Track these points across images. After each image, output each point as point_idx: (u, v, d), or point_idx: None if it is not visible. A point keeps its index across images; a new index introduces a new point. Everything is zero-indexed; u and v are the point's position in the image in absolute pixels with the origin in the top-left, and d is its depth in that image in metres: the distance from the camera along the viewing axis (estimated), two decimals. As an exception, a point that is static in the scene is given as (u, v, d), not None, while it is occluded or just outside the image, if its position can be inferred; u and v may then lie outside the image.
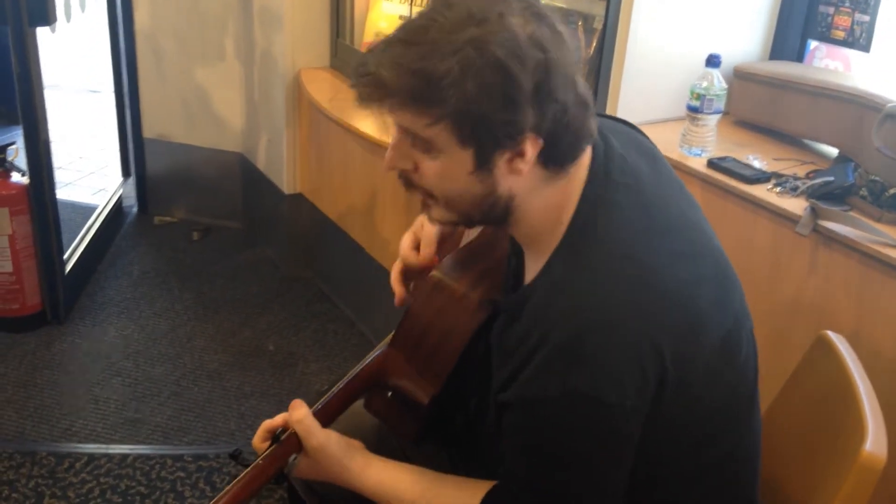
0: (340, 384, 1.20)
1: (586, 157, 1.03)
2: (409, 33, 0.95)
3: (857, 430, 1.07)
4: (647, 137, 1.21)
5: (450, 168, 0.98)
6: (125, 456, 2.21)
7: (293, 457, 1.14)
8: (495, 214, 1.04)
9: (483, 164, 0.97)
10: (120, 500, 2.07)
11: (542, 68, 0.93)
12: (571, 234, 1.02)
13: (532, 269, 1.07)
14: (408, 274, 1.31)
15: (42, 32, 2.55)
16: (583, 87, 0.99)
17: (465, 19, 0.93)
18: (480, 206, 1.03)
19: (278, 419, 1.17)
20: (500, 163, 0.98)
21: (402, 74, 0.93)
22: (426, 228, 1.31)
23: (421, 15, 0.97)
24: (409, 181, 1.04)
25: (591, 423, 0.98)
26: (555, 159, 1.00)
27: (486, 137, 0.95)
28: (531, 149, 0.97)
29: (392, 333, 1.22)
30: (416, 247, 1.32)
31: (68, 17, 6.44)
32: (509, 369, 1.01)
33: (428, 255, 1.29)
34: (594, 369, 0.95)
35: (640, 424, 0.99)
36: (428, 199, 1.04)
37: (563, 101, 0.96)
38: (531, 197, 1.02)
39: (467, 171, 0.98)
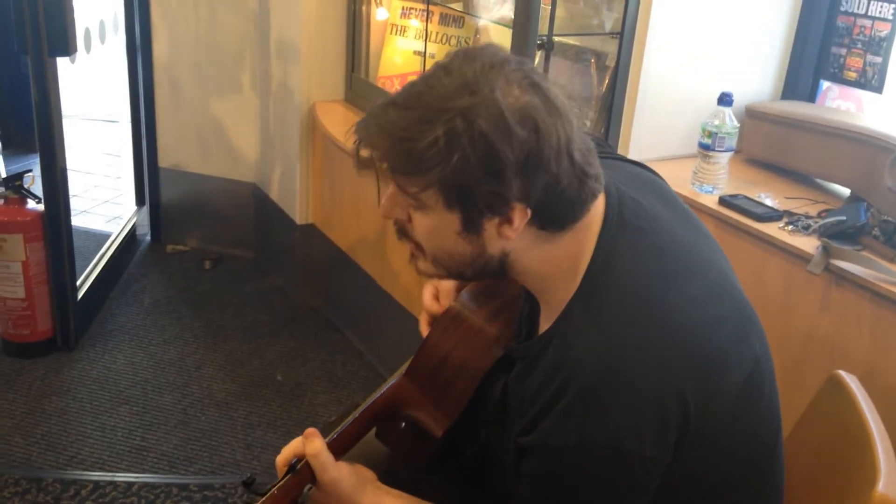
0: (355, 414, 1.20)
1: (599, 205, 1.03)
2: (405, 97, 0.96)
3: (869, 471, 1.05)
4: (662, 178, 1.22)
5: (439, 226, 1.00)
6: (130, 484, 2.20)
7: (308, 487, 1.13)
8: (490, 271, 1.05)
9: (470, 227, 0.98)
10: (124, 528, 2.07)
11: (531, 143, 0.93)
12: (588, 283, 1.01)
13: (547, 319, 1.07)
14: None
15: (61, 63, 2.59)
16: (581, 155, 0.98)
17: (459, 88, 0.94)
18: (472, 266, 1.04)
19: (293, 447, 1.16)
20: (489, 227, 0.98)
21: (390, 143, 0.96)
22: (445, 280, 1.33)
23: (421, 78, 0.98)
24: (402, 231, 1.05)
25: (610, 472, 0.97)
26: (550, 223, 1.00)
27: (472, 205, 0.96)
28: (519, 217, 0.97)
29: (407, 363, 1.22)
30: (438, 297, 1.33)
31: (88, 48, 6.54)
32: (530, 416, 1.01)
33: (447, 306, 1.29)
34: (615, 418, 0.95)
35: (658, 475, 0.98)
36: (417, 251, 1.06)
37: (555, 172, 0.95)
38: (530, 254, 1.03)
39: (455, 231, 0.99)
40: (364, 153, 0.99)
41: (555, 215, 0.99)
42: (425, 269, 1.08)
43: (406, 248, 1.10)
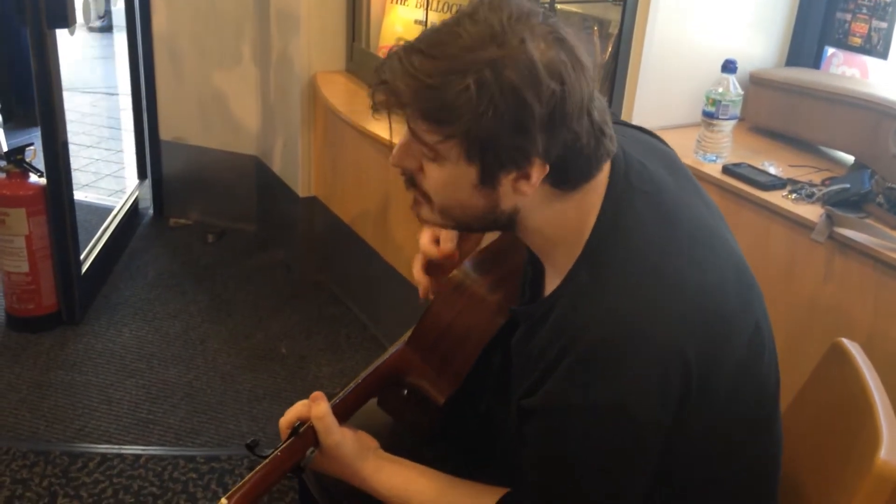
0: (357, 380, 1.21)
1: (605, 168, 1.03)
2: (430, 45, 0.94)
3: (872, 437, 1.06)
4: (667, 144, 1.21)
5: (454, 178, 0.98)
6: (138, 456, 2.22)
7: (311, 450, 1.14)
8: (498, 225, 1.05)
9: (487, 180, 0.97)
10: (132, 500, 2.08)
11: (557, 97, 0.92)
12: (593, 245, 1.01)
13: (553, 281, 1.06)
14: (429, 268, 1.31)
15: (60, 34, 2.57)
16: (599, 113, 0.97)
17: (486, 38, 0.92)
18: (482, 219, 1.03)
19: (297, 409, 1.17)
20: (505, 181, 0.97)
21: (417, 89, 0.93)
22: None
23: (444, 25, 0.95)
24: (411, 180, 1.03)
25: (612, 433, 0.97)
26: (564, 182, 0.99)
27: (493, 158, 0.95)
28: (537, 173, 0.96)
29: (410, 331, 1.22)
30: (436, 241, 1.31)
31: (87, 20, 6.51)
32: (533, 378, 1.01)
33: (449, 249, 1.28)
34: (618, 380, 0.95)
35: (661, 437, 0.98)
36: (423, 199, 1.04)
37: (576, 129, 0.95)
38: (539, 211, 1.02)
39: (471, 183, 0.98)
40: (380, 97, 0.95)
41: (570, 173, 0.98)
42: (428, 217, 1.05)
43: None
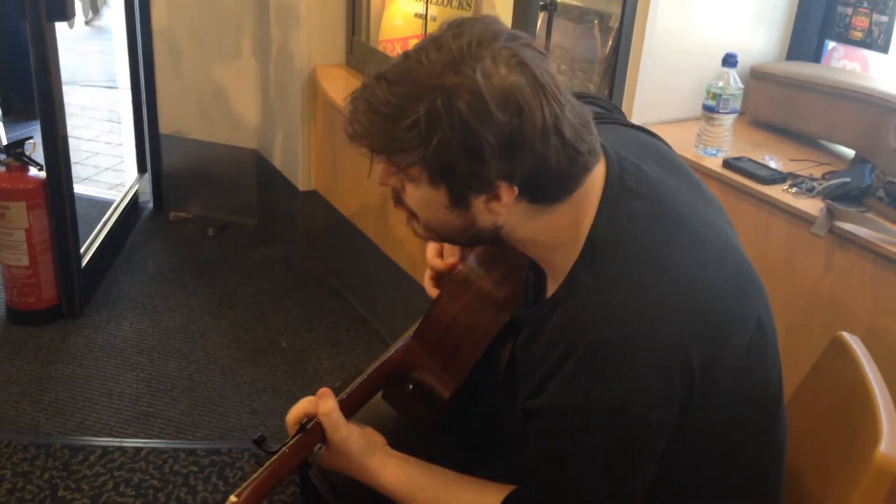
0: (363, 376, 1.21)
1: (599, 172, 1.03)
2: (395, 73, 0.96)
3: (871, 431, 1.06)
4: (666, 143, 1.21)
5: (427, 199, 1.00)
6: (138, 449, 2.23)
7: (318, 446, 1.14)
8: (484, 240, 1.06)
9: (457, 202, 0.99)
10: (133, 493, 2.09)
11: (514, 124, 0.93)
12: (591, 247, 1.02)
13: (553, 284, 1.07)
14: (439, 280, 1.33)
15: (60, 28, 2.57)
16: (573, 130, 0.97)
17: (445, 65, 0.93)
18: (464, 235, 1.05)
19: (304, 405, 1.17)
20: (476, 202, 0.99)
21: (374, 121, 0.96)
22: None
23: (413, 51, 0.98)
24: (397, 198, 1.06)
25: (616, 433, 0.98)
26: (542, 198, 1.00)
27: (455, 183, 0.97)
28: (506, 195, 0.97)
29: (415, 325, 1.22)
30: (442, 253, 1.33)
31: (86, 13, 6.50)
32: (537, 379, 1.02)
33: (452, 262, 1.30)
34: (619, 380, 0.95)
35: (664, 437, 0.99)
36: (411, 217, 1.07)
37: (541, 152, 0.95)
38: (525, 225, 1.03)
39: (443, 205, 1.00)
40: (351, 129, 0.99)
41: (545, 191, 0.99)
42: (421, 233, 1.09)
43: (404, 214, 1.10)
